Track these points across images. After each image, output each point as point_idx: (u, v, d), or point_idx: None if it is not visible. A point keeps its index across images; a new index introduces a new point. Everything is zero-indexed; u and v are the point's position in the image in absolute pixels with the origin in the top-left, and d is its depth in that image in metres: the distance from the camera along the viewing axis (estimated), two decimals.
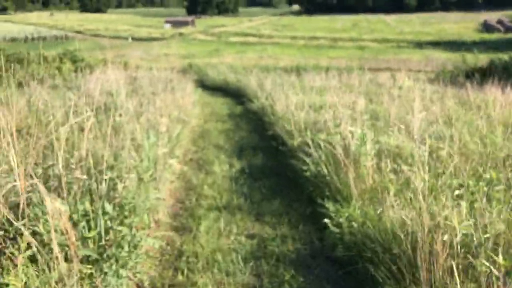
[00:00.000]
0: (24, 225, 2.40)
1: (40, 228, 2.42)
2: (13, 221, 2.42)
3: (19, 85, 8.99)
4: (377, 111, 6.30)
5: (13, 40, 59.80)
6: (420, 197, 2.67)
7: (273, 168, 5.75)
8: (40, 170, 3.06)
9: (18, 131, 4.03)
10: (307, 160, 4.44)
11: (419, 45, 55.20)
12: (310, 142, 4.49)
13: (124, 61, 16.58)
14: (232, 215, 4.25)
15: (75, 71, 12.29)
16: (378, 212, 3.22)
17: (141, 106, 5.49)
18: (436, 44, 55.21)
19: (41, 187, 2.32)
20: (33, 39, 61.93)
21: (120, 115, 4.62)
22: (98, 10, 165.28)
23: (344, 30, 76.18)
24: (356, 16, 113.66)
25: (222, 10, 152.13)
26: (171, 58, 40.85)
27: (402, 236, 2.76)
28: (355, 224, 3.27)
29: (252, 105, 10.03)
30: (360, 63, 35.54)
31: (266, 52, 45.92)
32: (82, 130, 3.87)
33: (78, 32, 77.87)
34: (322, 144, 4.23)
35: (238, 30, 77.48)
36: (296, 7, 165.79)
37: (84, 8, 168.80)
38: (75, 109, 5.34)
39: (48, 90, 7.81)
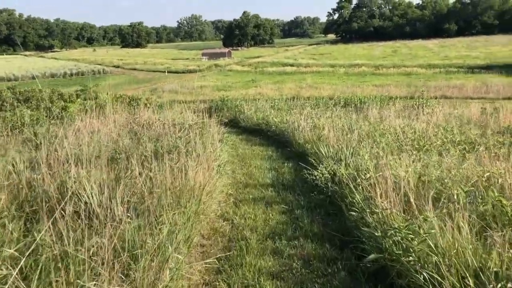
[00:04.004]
0: None
1: None
2: None
3: None
4: None
5: (52, 76, 60.46)
6: None
7: None
8: None
9: None
10: None
11: (470, 70, 51.65)
12: None
13: (146, 98, 14.36)
14: None
15: (82, 111, 10.05)
16: None
17: (110, 198, 2.81)
18: (488, 68, 51.83)
19: None
20: (71, 74, 62.48)
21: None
22: (138, 45, 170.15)
23: (384, 57, 73.41)
24: (394, 42, 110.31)
25: (258, 41, 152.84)
26: (206, 90, 39.09)
27: None
28: None
29: (313, 171, 6.25)
30: (411, 91, 32.34)
31: (305, 81, 43.43)
32: None
33: (117, 66, 78.73)
34: None
35: (275, 60, 75.93)
36: (331, 36, 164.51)
37: (125, 44, 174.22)
38: None
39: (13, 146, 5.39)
